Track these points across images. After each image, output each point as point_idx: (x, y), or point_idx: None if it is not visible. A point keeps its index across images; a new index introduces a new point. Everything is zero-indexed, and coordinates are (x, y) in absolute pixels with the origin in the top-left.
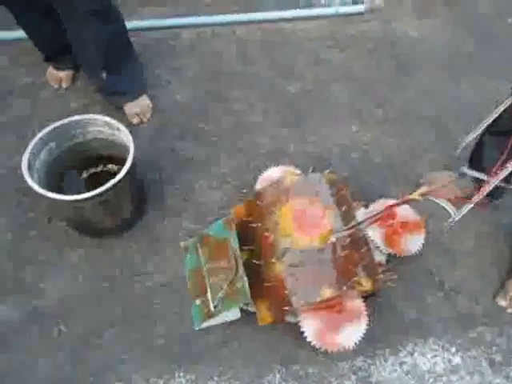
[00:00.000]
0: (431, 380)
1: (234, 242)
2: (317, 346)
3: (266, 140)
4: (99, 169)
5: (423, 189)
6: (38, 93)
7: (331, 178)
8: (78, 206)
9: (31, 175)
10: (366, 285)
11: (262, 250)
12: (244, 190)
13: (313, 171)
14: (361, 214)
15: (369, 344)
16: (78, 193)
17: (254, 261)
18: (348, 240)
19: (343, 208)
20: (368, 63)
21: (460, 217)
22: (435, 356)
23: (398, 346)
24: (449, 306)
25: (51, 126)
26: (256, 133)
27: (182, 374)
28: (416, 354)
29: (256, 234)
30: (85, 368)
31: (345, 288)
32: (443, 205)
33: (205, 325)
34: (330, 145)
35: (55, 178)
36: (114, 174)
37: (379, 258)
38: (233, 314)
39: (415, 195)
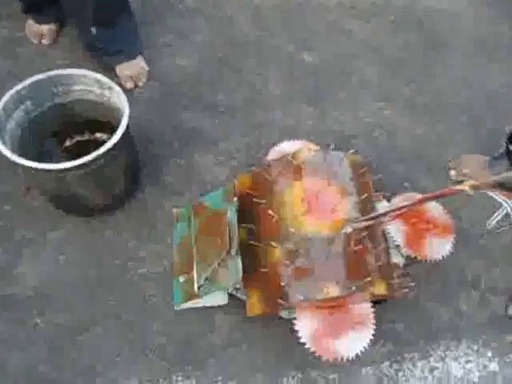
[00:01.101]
0: None
1: (231, 216)
2: (311, 350)
3: (281, 115)
4: (85, 137)
5: (473, 181)
6: (15, 49)
7: (354, 160)
8: (61, 177)
9: (1, 137)
10: (379, 288)
11: (262, 231)
12: (253, 168)
13: (334, 149)
14: (382, 207)
15: (396, 347)
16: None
17: (252, 242)
18: (364, 233)
19: (363, 196)
20: (393, 37)
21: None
22: (469, 361)
23: (428, 350)
24: (484, 307)
25: (28, 81)
26: (271, 107)
27: (180, 378)
28: (448, 359)
29: (258, 211)
30: (66, 369)
31: (354, 288)
32: (500, 200)
33: (186, 306)
34: (352, 123)
35: (33, 145)
36: (103, 143)
37: (397, 259)
38: (220, 298)
39: (465, 186)
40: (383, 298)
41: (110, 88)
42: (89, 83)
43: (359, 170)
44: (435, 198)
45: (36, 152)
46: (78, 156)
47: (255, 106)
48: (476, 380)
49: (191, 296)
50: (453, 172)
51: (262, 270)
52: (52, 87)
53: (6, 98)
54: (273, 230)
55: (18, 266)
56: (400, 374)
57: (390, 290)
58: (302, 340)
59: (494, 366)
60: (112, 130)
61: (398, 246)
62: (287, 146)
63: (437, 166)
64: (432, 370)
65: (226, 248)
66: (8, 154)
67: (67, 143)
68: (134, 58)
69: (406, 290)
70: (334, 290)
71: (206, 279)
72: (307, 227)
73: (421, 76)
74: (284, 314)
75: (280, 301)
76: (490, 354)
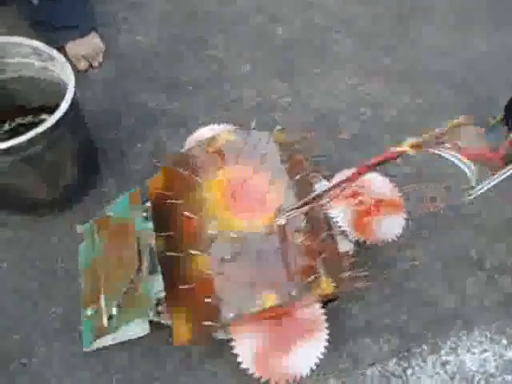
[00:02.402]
0: (482, 383)
1: (138, 224)
2: (255, 376)
3: (253, 92)
4: (27, 119)
5: (414, 139)
6: None
7: (282, 138)
8: None
9: None
10: (327, 286)
11: (182, 238)
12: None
13: (255, 128)
14: (322, 188)
15: (402, 342)
16: None
17: (171, 253)
18: (304, 222)
19: (297, 178)
20: (365, 6)
21: (491, 185)
22: (484, 351)
23: (438, 342)
24: (493, 288)
25: None
26: (241, 84)
27: None
28: (460, 350)
29: (175, 214)
30: None
31: (295, 293)
32: (456, 161)
33: (97, 345)
34: (331, 99)
35: None
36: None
37: (346, 247)
38: (139, 328)
39: (405, 146)
40: (334, 297)
41: (51, 58)
42: (26, 53)
43: (290, 149)
44: (374, 166)
45: None
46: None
47: (223, 82)
48: (493, 371)
49: (101, 332)
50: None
51: (182, 286)
52: None
53: None
54: (194, 234)
55: None
56: (409, 371)
57: (341, 287)
58: (243, 365)
59: (511, 355)
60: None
61: (344, 231)
62: (206, 133)
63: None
64: (444, 364)
65: (134, 265)
66: None
67: (6, 127)
68: (87, 34)
69: (360, 283)
70: (271, 299)
71: (116, 308)
72: (234, 225)
73: (397, 45)
74: (221, 335)
75: (208, 322)
76: (505, 342)
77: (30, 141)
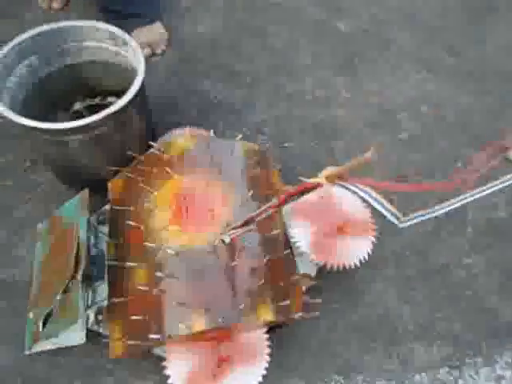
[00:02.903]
0: None
1: (80, 229)
2: None
3: (312, 85)
4: (96, 101)
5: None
6: (23, 13)
7: (250, 149)
8: (63, 142)
9: None
10: (267, 314)
11: (129, 248)
12: (286, 144)
13: (215, 134)
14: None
15: (455, 351)
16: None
17: (115, 262)
18: (256, 242)
19: (255, 191)
20: (431, 1)
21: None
22: None
23: (494, 355)
24: None
25: (31, 32)
26: (301, 76)
27: None
28: None
29: (126, 221)
30: None
31: (226, 319)
32: (368, 199)
33: (35, 349)
34: (393, 95)
35: (38, 109)
36: None
37: (307, 269)
38: (75, 336)
39: (319, 178)
40: (282, 323)
41: (124, 43)
42: (102, 38)
43: (256, 160)
44: (293, 195)
45: (41, 118)
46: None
47: (282, 74)
48: None
49: (37, 336)
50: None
51: (118, 299)
52: (61, 42)
53: (5, 49)
54: (138, 245)
55: (18, 248)
56: (460, 382)
57: (287, 313)
58: None
59: None
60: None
61: (303, 252)
62: (178, 135)
63: (485, 140)
64: (498, 379)
65: (69, 272)
66: (4, 110)
67: (77, 106)
68: (153, 22)
69: (311, 313)
70: (200, 323)
71: (49, 315)
72: (176, 238)
73: (464, 42)
74: (158, 350)
75: (137, 342)
76: None
77: (101, 121)
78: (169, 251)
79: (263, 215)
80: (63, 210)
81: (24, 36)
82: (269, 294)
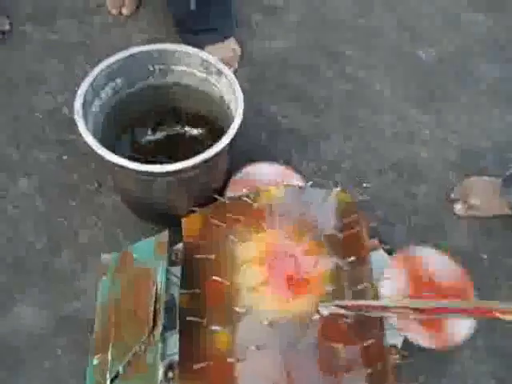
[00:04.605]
0: None
1: (160, 277)
2: None
3: (391, 118)
4: (175, 130)
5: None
6: (91, 18)
7: (344, 201)
8: (149, 180)
9: (85, 121)
10: None
11: (206, 301)
12: (365, 185)
13: (313, 185)
14: (378, 257)
15: None
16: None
17: (192, 317)
18: (350, 317)
19: (351, 258)
20: None
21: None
22: None
23: None
24: None
25: (125, 53)
26: (378, 107)
27: None
28: None
29: (205, 269)
30: None
31: None
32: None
33: None
34: (478, 137)
35: (113, 132)
36: (194, 140)
37: (393, 338)
38: None
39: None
40: None
41: (219, 73)
42: (193, 64)
43: (350, 217)
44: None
45: (113, 141)
46: (161, 150)
47: (357, 103)
48: None
49: None
50: (458, 206)
51: (195, 365)
52: (148, 64)
53: (95, 71)
54: (220, 301)
55: (81, 279)
56: None
57: None
58: None
59: None
60: (207, 125)
61: (394, 327)
62: (255, 170)
63: None
64: None
65: (148, 327)
66: (94, 145)
67: (150, 135)
68: (228, 39)
69: None
70: None
71: (119, 371)
72: (264, 304)
73: None
74: None
75: None
76: None
77: (193, 166)
78: (263, 321)
79: (374, 312)
80: (137, 249)
81: (114, 58)
82: (363, 374)
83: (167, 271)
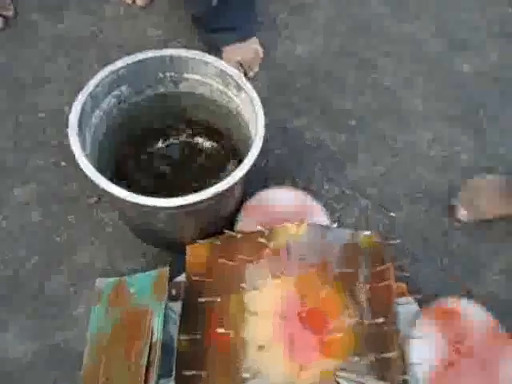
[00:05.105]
0: None
1: (157, 323)
2: None
3: (426, 138)
4: (181, 138)
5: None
6: (102, 9)
7: (372, 245)
8: (154, 212)
9: (81, 136)
10: None
11: (209, 350)
12: (392, 214)
13: (340, 225)
14: (406, 309)
15: None
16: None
17: (190, 371)
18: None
19: (379, 319)
20: None
21: None
22: None
23: None
24: None
25: (132, 58)
26: (413, 126)
27: None
28: None
29: (207, 314)
30: None
31: None
32: None
33: None
34: None
35: (117, 145)
36: (206, 154)
37: None
38: None
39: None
40: None
41: (239, 88)
42: (210, 74)
43: (378, 265)
44: None
45: (116, 154)
46: (170, 165)
47: (390, 120)
48: None
49: None
50: (463, 212)
51: None
52: (159, 71)
53: (97, 79)
54: (223, 355)
55: (73, 309)
56: None
57: None
58: None
59: None
60: (220, 139)
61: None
62: (271, 196)
63: None
64: None
65: (139, 375)
66: (87, 169)
67: (158, 148)
68: (249, 39)
69: None
70: None
71: None
72: (273, 370)
73: None
74: None
75: None
76: None
77: (202, 200)
78: None
79: None
80: (134, 283)
81: (120, 63)
82: None
83: (166, 306)
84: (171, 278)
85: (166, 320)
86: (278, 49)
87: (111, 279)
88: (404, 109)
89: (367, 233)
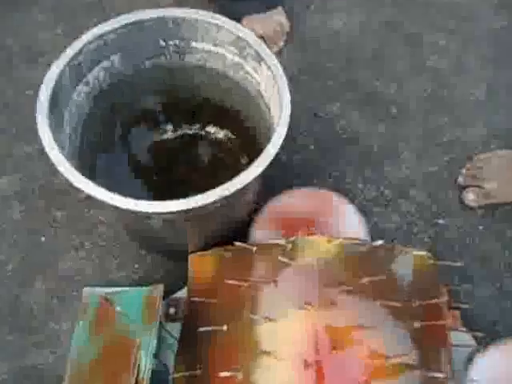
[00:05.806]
0: None
1: (144, 360)
2: None
3: (486, 135)
4: (193, 130)
5: None
6: None
7: (424, 268)
8: (147, 217)
9: (56, 118)
10: None
11: None
12: (441, 221)
13: (384, 243)
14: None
15: None
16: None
17: None
18: None
19: (430, 365)
20: None
21: None
22: None
23: None
24: None
25: (125, 18)
26: (469, 117)
27: None
28: None
29: (211, 345)
30: None
31: None
32: None
33: None
34: None
35: (104, 132)
36: (216, 143)
37: None
38: None
39: None
40: None
41: (260, 59)
42: (222, 42)
43: (432, 295)
44: None
45: (104, 144)
46: (173, 157)
47: (441, 110)
48: None
49: None
50: (471, 196)
51: None
52: (160, 38)
53: (77, 46)
54: None
55: (55, 320)
56: None
57: None
58: None
59: None
60: (233, 124)
61: None
62: (298, 198)
63: None
64: None
65: None
66: (69, 174)
67: (158, 136)
68: (274, 9)
69: None
70: None
71: None
72: None
73: None
74: None
75: None
76: None
77: (208, 204)
78: None
79: None
80: (122, 301)
81: (109, 25)
82: None
83: (161, 326)
84: (170, 293)
85: (159, 346)
86: (307, 23)
87: (100, 290)
88: (459, 98)
89: (422, 253)
